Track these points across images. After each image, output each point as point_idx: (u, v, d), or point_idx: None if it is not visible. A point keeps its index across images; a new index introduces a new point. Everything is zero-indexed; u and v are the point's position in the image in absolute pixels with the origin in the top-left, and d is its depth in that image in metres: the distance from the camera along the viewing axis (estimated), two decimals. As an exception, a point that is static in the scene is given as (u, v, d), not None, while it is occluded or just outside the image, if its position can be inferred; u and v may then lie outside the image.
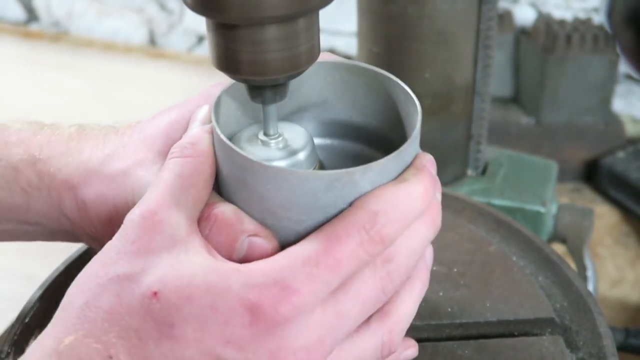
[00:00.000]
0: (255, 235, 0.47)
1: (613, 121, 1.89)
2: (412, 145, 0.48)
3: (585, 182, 1.89)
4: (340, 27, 2.20)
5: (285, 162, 0.51)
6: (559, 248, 0.99)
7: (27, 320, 0.65)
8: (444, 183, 1.15)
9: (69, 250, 0.72)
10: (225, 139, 0.48)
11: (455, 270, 0.71)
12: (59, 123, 0.61)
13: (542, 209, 1.11)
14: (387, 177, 0.47)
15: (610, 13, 0.53)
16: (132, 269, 0.45)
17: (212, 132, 0.50)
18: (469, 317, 0.65)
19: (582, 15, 1.99)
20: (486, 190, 1.15)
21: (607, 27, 0.53)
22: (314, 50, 0.49)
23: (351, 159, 0.57)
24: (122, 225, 0.46)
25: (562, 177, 1.61)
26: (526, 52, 1.91)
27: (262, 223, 0.48)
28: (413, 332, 0.64)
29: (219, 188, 0.51)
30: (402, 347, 0.54)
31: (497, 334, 0.65)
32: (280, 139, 0.52)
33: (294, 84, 0.53)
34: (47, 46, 2.52)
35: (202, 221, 0.48)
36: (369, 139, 0.56)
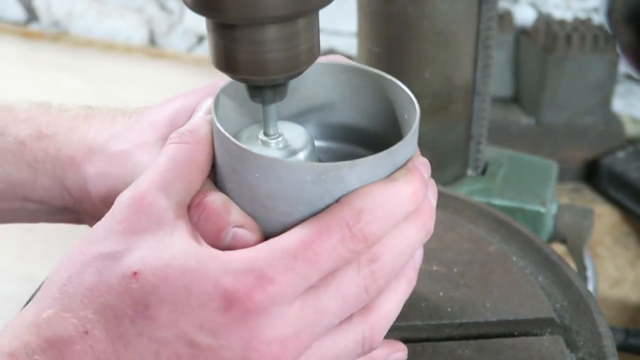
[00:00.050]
0: (241, 226, 0.47)
1: (613, 121, 1.89)
2: (405, 146, 0.48)
3: (585, 182, 1.89)
4: (340, 27, 2.20)
5: None
6: (559, 248, 0.99)
7: (27, 320, 0.65)
8: (444, 183, 1.16)
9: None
10: (219, 126, 0.48)
11: (455, 270, 0.71)
12: (67, 104, 0.62)
13: (542, 209, 1.11)
14: (377, 175, 0.47)
15: (610, 12, 0.53)
16: (116, 248, 0.45)
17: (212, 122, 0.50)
18: (469, 317, 0.65)
19: (582, 15, 1.99)
20: (486, 190, 1.15)
21: (606, 26, 0.53)
22: (314, 50, 0.49)
23: None
24: (113, 206, 0.47)
25: (562, 177, 1.61)
26: (526, 52, 1.91)
27: (251, 213, 0.48)
28: (413, 332, 0.64)
29: (215, 177, 0.51)
30: (391, 349, 0.54)
31: (497, 334, 0.65)
32: (280, 139, 0.52)
33: (300, 85, 0.53)
34: (47, 46, 2.52)
35: (192, 208, 0.48)
36: (375, 144, 0.56)
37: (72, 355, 0.43)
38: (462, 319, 0.65)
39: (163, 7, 2.52)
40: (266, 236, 0.48)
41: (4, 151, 0.60)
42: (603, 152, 1.86)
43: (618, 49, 0.53)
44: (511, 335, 0.65)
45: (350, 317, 0.48)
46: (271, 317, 0.44)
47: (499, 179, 1.17)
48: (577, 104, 1.84)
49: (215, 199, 0.49)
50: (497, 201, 1.12)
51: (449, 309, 0.66)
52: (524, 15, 2.03)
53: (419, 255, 0.52)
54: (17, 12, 2.68)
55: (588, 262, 1.11)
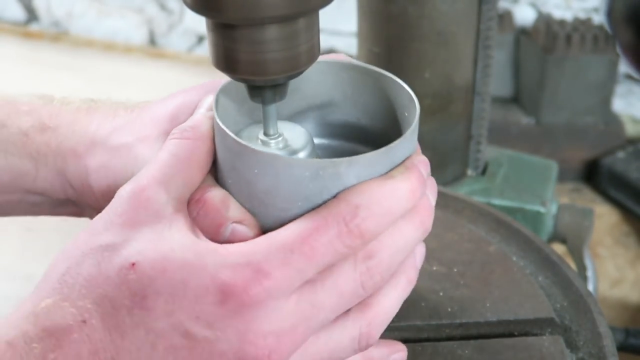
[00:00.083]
0: (239, 222, 0.48)
1: (613, 121, 1.89)
2: (404, 144, 0.48)
3: (585, 182, 1.89)
4: (340, 27, 2.20)
5: None
6: (559, 248, 0.99)
7: (27, 320, 0.65)
8: (444, 183, 1.16)
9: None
10: (219, 122, 0.49)
11: (455, 270, 0.71)
12: (69, 97, 0.63)
13: (542, 209, 1.11)
14: (375, 172, 0.47)
15: (610, 12, 0.53)
16: (115, 240, 0.46)
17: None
18: (469, 317, 0.65)
19: (582, 15, 1.99)
20: (486, 190, 1.15)
21: (606, 26, 0.53)
22: (314, 51, 0.49)
23: None
24: (113, 199, 0.48)
25: (562, 177, 1.61)
26: (526, 52, 1.91)
27: (250, 209, 0.49)
28: (413, 332, 0.64)
29: (216, 173, 0.51)
30: (390, 349, 0.54)
31: (497, 334, 0.65)
32: (280, 139, 0.52)
33: (302, 83, 0.53)
34: (47, 46, 2.52)
35: (192, 203, 0.49)
36: (377, 142, 0.56)
37: (70, 344, 0.44)
38: (462, 319, 0.65)
39: (163, 7, 2.52)
40: (264, 232, 0.48)
41: (6, 143, 0.60)
42: (603, 152, 1.86)
43: (618, 49, 0.53)
44: (511, 335, 0.65)
45: (347, 313, 0.48)
46: (267, 310, 0.44)
47: (499, 179, 1.17)
48: (577, 104, 1.84)
49: (215, 195, 0.49)
50: (497, 201, 1.12)
51: (449, 309, 0.66)
52: (524, 15, 2.03)
53: (420, 254, 0.52)
54: (17, 12, 2.68)
55: (588, 262, 1.11)
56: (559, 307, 0.68)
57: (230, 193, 0.49)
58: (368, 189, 0.46)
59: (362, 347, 0.49)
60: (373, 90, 0.55)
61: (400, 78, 0.53)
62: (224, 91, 0.52)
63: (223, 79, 0.54)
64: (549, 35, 1.81)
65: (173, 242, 0.46)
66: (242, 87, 0.50)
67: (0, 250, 1.53)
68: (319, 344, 0.48)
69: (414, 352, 0.62)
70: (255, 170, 0.47)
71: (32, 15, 2.67)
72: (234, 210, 0.48)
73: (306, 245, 0.44)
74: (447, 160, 1.15)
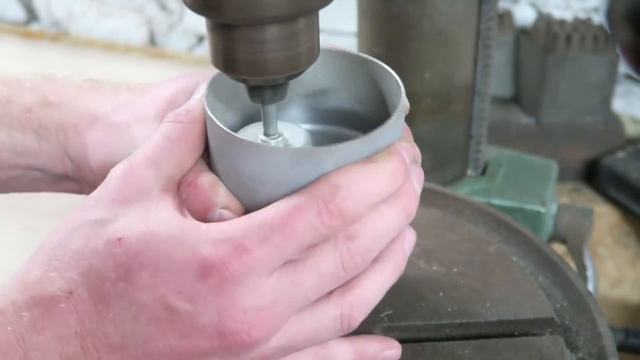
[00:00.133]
0: (226, 208, 0.49)
1: (613, 121, 1.89)
2: (386, 131, 0.49)
3: (585, 182, 1.89)
4: (340, 27, 2.20)
5: None
6: (559, 248, 0.99)
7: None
8: (444, 183, 1.16)
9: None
10: (208, 110, 0.50)
11: (455, 270, 0.71)
12: (72, 76, 0.65)
13: (542, 209, 1.11)
14: (357, 159, 0.48)
15: (610, 12, 0.53)
16: (104, 216, 0.48)
17: None
18: (469, 317, 0.65)
19: (582, 15, 1.99)
20: (486, 190, 1.15)
21: (606, 26, 0.53)
22: (314, 50, 0.49)
23: None
24: (107, 178, 0.50)
25: (562, 177, 1.61)
26: (526, 52, 1.91)
27: (237, 194, 0.50)
28: (413, 332, 0.64)
29: (208, 157, 0.53)
30: (384, 345, 0.55)
31: (497, 334, 0.65)
32: (280, 138, 0.52)
33: None
34: (47, 46, 2.52)
35: (184, 186, 0.51)
36: (372, 128, 0.57)
37: (57, 313, 0.45)
38: (462, 319, 0.65)
39: (163, 7, 2.52)
40: None
41: (10, 118, 0.62)
42: (603, 152, 1.86)
43: (617, 49, 0.53)
44: (511, 335, 0.65)
45: (329, 294, 0.49)
46: (247, 286, 0.45)
47: (499, 179, 1.17)
48: (577, 104, 1.84)
49: (205, 179, 0.50)
50: (497, 201, 1.12)
51: (449, 309, 0.66)
52: (524, 15, 2.02)
53: (409, 241, 0.52)
54: (17, 12, 2.68)
55: (588, 262, 1.11)
56: (559, 307, 0.68)
57: (220, 178, 0.51)
58: (349, 171, 0.47)
59: (345, 329, 0.50)
60: (365, 78, 0.56)
61: (400, 78, 0.53)
62: (217, 80, 0.53)
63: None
64: (549, 35, 1.81)
65: (159, 218, 0.47)
66: (226, 85, 0.51)
67: (0, 250, 1.53)
68: (300, 323, 0.48)
69: (414, 352, 0.62)
70: (241, 157, 0.48)
71: (32, 15, 2.67)
72: (222, 195, 0.50)
73: (286, 223, 0.45)
74: (447, 160, 1.15)
